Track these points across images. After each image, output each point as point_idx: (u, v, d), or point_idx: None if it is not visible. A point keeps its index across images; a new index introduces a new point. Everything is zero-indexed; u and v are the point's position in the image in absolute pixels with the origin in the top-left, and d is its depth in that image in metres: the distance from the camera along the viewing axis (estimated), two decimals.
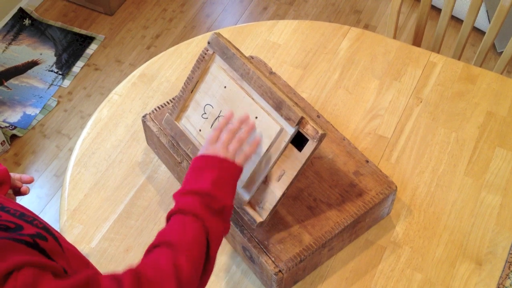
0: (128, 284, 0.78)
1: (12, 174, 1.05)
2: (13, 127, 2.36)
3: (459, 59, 1.74)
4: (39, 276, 0.71)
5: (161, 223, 1.24)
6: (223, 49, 1.13)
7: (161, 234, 0.89)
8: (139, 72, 1.51)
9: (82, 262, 0.93)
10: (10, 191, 1.06)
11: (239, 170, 0.99)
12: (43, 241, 0.77)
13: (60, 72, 2.54)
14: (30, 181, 1.07)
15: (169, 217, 0.92)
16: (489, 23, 2.38)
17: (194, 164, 0.98)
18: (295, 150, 1.05)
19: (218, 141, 1.02)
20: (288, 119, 1.04)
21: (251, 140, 1.05)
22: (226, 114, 1.07)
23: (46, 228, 0.81)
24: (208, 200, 0.92)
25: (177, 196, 0.94)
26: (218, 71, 1.14)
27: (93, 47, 2.63)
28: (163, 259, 0.84)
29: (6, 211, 0.80)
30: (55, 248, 0.79)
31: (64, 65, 2.56)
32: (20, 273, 0.70)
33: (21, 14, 2.72)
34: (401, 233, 1.22)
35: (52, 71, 2.54)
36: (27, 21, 2.71)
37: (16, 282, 0.70)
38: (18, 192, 1.07)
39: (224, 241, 1.21)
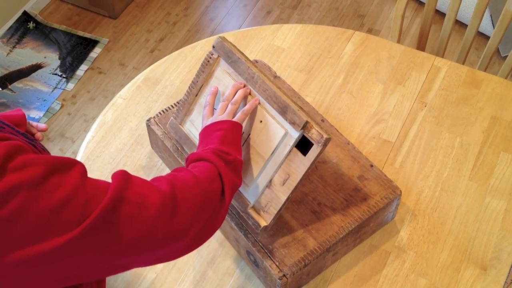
0: (115, 179, 0.80)
1: (30, 122, 1.11)
2: None
3: (463, 64, 1.74)
4: (20, 150, 0.73)
5: None
6: (227, 53, 1.13)
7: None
8: (144, 76, 1.51)
9: None
10: None
11: (239, 126, 1.04)
12: (40, 148, 0.82)
13: (64, 76, 2.54)
14: (45, 129, 1.11)
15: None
16: (493, 27, 2.38)
17: (199, 138, 1.05)
18: (300, 154, 1.05)
19: (206, 114, 1.09)
20: (292, 123, 1.04)
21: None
22: (212, 90, 1.12)
23: (44, 148, 0.87)
24: (219, 153, 0.97)
25: (190, 156, 0.99)
26: (223, 75, 1.14)
27: (97, 50, 2.63)
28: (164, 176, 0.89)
29: (12, 128, 0.85)
30: None
31: (68, 69, 2.57)
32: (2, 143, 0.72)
33: (26, 17, 2.73)
34: (406, 238, 1.22)
35: (56, 74, 2.55)
36: (31, 25, 2.71)
37: None
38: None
39: (228, 245, 1.21)
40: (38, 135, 1.10)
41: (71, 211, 0.72)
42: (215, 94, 1.12)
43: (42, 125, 1.11)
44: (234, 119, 1.05)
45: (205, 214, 0.88)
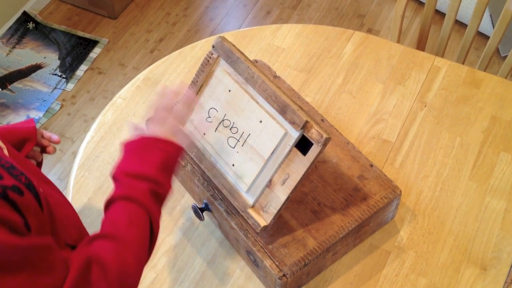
0: (75, 270, 0.76)
1: (43, 132, 1.08)
2: None
3: (463, 63, 1.74)
4: None
5: (164, 227, 1.23)
6: (227, 53, 1.13)
7: (107, 223, 0.87)
8: (143, 76, 1.51)
9: (77, 231, 0.93)
10: (37, 149, 1.08)
11: (180, 150, 0.96)
12: (15, 194, 0.75)
13: (64, 76, 2.54)
14: (57, 141, 1.09)
15: (114, 199, 0.89)
16: (493, 27, 2.38)
17: (134, 145, 0.94)
18: (300, 154, 1.05)
19: (154, 120, 0.98)
20: (292, 123, 1.04)
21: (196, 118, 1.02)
22: (158, 90, 1.04)
23: (29, 185, 0.79)
24: (155, 187, 0.89)
25: (121, 176, 0.90)
26: (223, 74, 1.14)
27: (96, 50, 2.63)
28: (110, 253, 0.82)
29: None
30: (30, 204, 0.77)
31: (67, 69, 2.57)
32: None
33: (25, 17, 2.73)
34: (406, 238, 1.22)
35: (55, 74, 2.55)
36: (31, 25, 2.71)
37: None
38: (45, 150, 1.09)
39: (228, 245, 1.21)
40: (50, 148, 1.08)
41: None
42: (163, 96, 1.03)
43: (55, 137, 1.08)
44: (177, 141, 0.96)
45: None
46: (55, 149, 1.10)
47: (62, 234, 0.87)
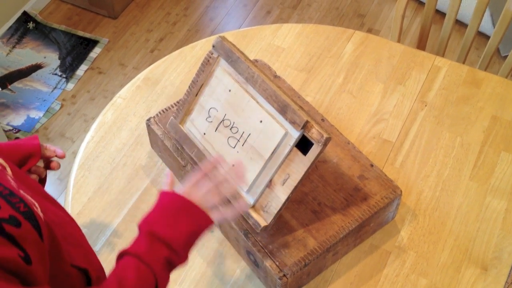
0: None
1: (48, 146, 1.06)
2: (16, 130, 2.36)
3: (463, 63, 1.73)
4: None
5: None
6: (227, 53, 1.13)
7: (115, 278, 0.85)
8: (143, 76, 1.51)
9: (83, 249, 0.92)
10: (41, 164, 1.07)
11: (211, 226, 0.94)
12: (12, 226, 0.71)
13: (64, 76, 2.54)
14: (62, 156, 1.07)
15: (130, 254, 0.88)
16: (493, 27, 2.38)
17: (171, 201, 0.93)
18: (300, 154, 1.05)
19: (199, 186, 0.97)
20: (293, 122, 1.04)
21: (235, 205, 1.01)
22: (214, 157, 1.01)
23: (28, 214, 0.76)
24: (173, 257, 0.88)
25: (146, 232, 0.89)
26: (223, 74, 1.14)
27: (96, 50, 2.63)
28: None
29: None
30: (29, 235, 0.74)
31: (68, 69, 2.56)
32: None
33: (25, 17, 2.73)
34: (406, 238, 1.22)
35: (56, 74, 2.54)
36: (31, 25, 2.71)
37: None
38: (49, 166, 1.08)
39: (228, 245, 1.20)
40: (54, 164, 1.07)
41: None
42: (216, 164, 1.01)
43: (59, 151, 1.06)
44: (212, 218, 0.94)
45: None
46: (59, 165, 1.07)
47: (66, 255, 0.84)
